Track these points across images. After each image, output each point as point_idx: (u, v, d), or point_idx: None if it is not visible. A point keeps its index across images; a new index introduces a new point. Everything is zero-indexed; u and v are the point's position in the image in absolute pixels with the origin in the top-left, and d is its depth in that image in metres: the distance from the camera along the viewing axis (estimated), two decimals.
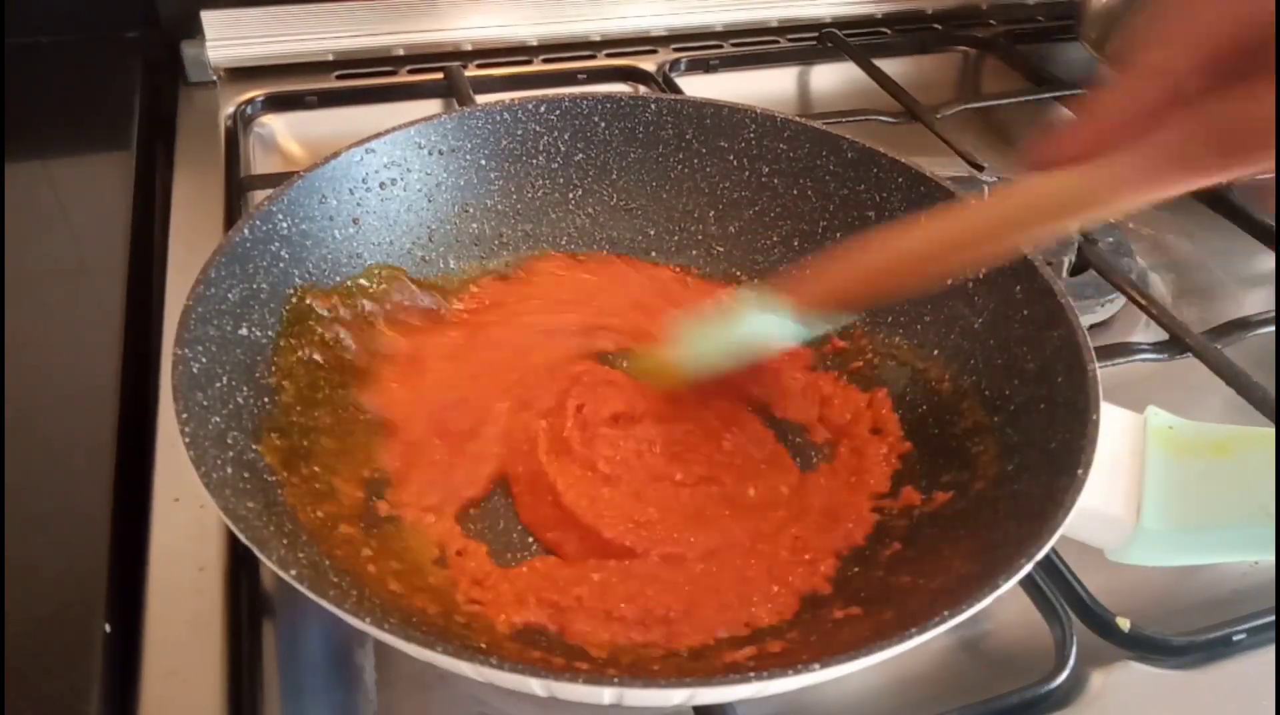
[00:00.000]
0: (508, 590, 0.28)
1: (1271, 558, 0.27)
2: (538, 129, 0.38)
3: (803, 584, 0.29)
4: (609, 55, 0.59)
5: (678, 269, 0.39)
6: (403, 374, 0.35)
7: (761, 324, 0.31)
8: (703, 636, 0.27)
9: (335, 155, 0.35)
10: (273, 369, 0.31)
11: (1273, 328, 0.41)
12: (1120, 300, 0.43)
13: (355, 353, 0.34)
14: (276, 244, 0.32)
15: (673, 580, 0.28)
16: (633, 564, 0.29)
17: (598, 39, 0.59)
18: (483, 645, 0.25)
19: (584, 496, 0.30)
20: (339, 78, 0.54)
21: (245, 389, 0.29)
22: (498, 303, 0.38)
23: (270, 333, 0.31)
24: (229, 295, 0.30)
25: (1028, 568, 0.24)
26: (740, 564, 0.29)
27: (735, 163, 0.39)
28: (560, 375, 0.35)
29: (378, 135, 0.36)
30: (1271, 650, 0.29)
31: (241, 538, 0.23)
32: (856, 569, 0.30)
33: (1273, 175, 0.22)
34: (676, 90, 0.55)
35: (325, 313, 0.33)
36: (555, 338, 0.36)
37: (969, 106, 0.55)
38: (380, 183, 0.36)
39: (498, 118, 0.38)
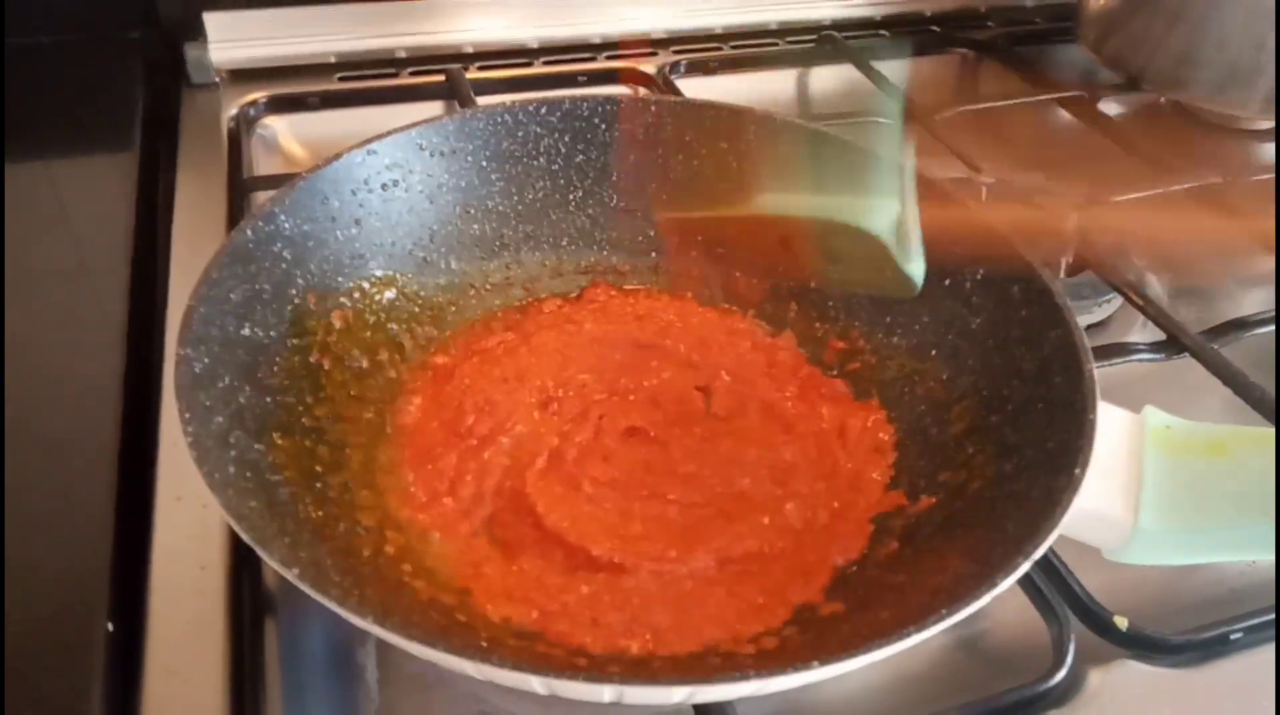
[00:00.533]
0: (498, 583, 0.28)
1: (1270, 557, 0.27)
2: (538, 131, 0.39)
3: (796, 597, 0.29)
4: (609, 57, 0.59)
5: (751, 320, 0.39)
6: (423, 377, 0.35)
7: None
8: (690, 646, 0.27)
9: (337, 157, 0.35)
10: (275, 369, 0.31)
11: (1271, 327, 0.41)
12: (1117, 300, 0.43)
13: (366, 360, 0.34)
14: (279, 245, 0.32)
15: (661, 594, 0.28)
16: (622, 578, 0.29)
17: (598, 41, 0.59)
18: (483, 643, 0.26)
19: (566, 517, 0.30)
20: (341, 79, 0.55)
21: (248, 389, 0.29)
22: (555, 312, 0.38)
23: (273, 333, 0.31)
24: (231, 295, 0.30)
25: (1025, 567, 0.24)
26: (732, 581, 0.29)
27: (735, 165, 0.40)
28: (596, 386, 0.35)
29: (379, 137, 0.36)
30: (1270, 649, 0.29)
31: (244, 537, 0.23)
32: (854, 569, 0.30)
33: None
34: (676, 92, 0.55)
35: (337, 325, 0.33)
36: (607, 349, 0.36)
37: (967, 109, 0.55)
38: (382, 184, 0.36)
39: (499, 119, 0.38)
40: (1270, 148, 0.57)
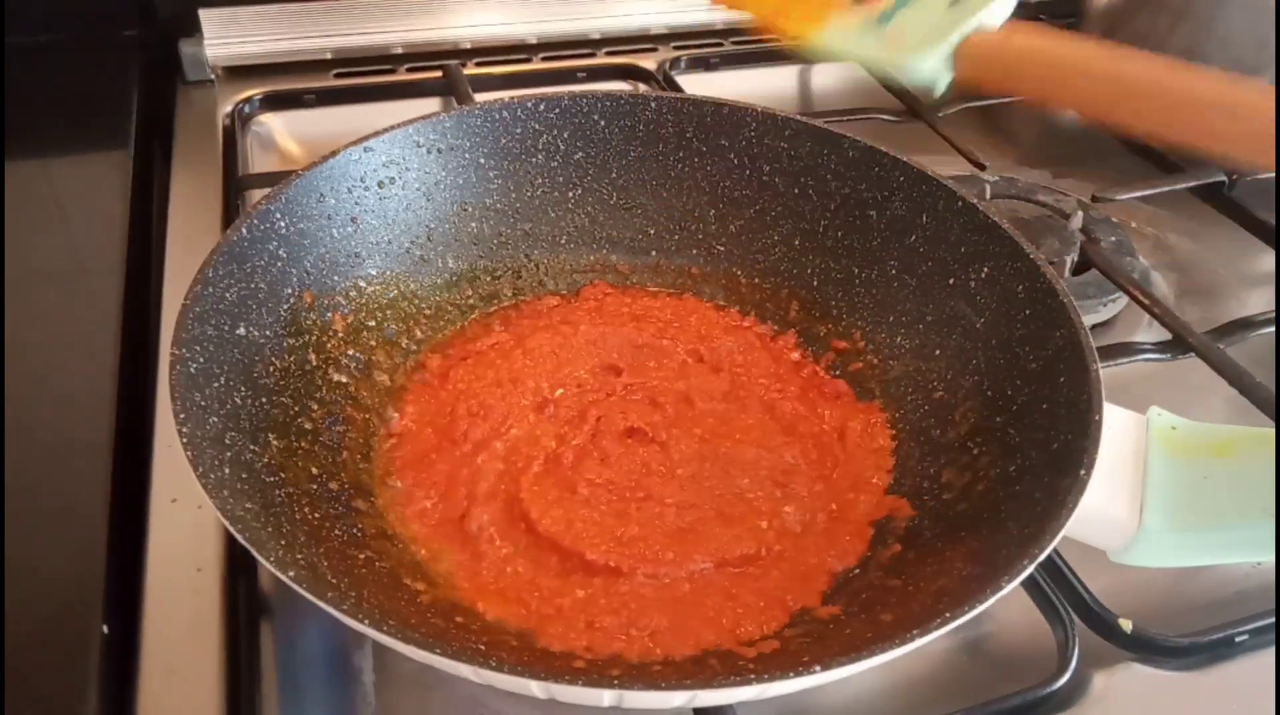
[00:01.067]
0: (492, 586, 0.28)
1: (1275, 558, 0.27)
2: (537, 127, 0.38)
3: (795, 601, 0.28)
4: (609, 53, 0.58)
5: (751, 319, 0.39)
6: (418, 379, 0.35)
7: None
8: (687, 649, 0.27)
9: (333, 154, 0.34)
10: (271, 370, 0.31)
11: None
12: (1123, 300, 0.43)
13: (363, 360, 0.34)
14: (274, 243, 0.32)
15: (658, 598, 0.28)
16: (618, 582, 0.28)
17: (597, 37, 0.59)
18: (482, 646, 0.25)
19: (560, 521, 0.30)
20: (337, 76, 0.54)
21: (243, 389, 0.29)
22: (551, 311, 0.38)
23: (269, 333, 0.31)
24: (227, 295, 0.30)
25: (1030, 569, 0.24)
26: (729, 584, 0.29)
27: (736, 161, 0.39)
28: (593, 387, 0.34)
29: (376, 134, 0.35)
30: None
31: (239, 538, 0.23)
32: (856, 571, 0.30)
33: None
34: (677, 88, 0.54)
35: (336, 327, 0.33)
36: (604, 349, 0.36)
37: (971, 105, 0.55)
38: (379, 181, 0.36)
39: (497, 116, 0.38)
40: None
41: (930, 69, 0.27)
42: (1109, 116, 0.30)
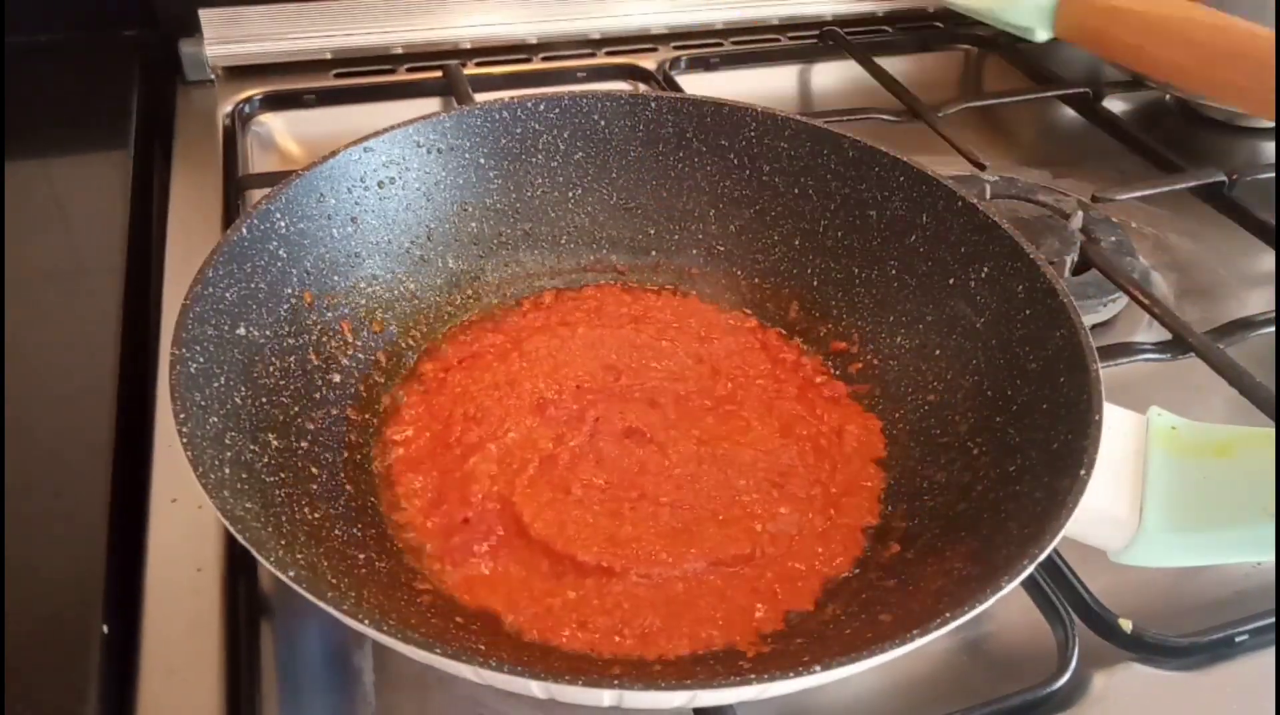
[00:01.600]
0: (485, 587, 0.28)
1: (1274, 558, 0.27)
2: (537, 127, 0.38)
3: (789, 601, 0.28)
4: (609, 53, 0.58)
5: (751, 319, 0.39)
6: (416, 381, 0.35)
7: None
8: (680, 649, 0.27)
9: (333, 154, 0.34)
10: (271, 369, 0.31)
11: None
12: (1123, 300, 0.43)
13: (362, 361, 0.34)
14: (274, 243, 0.32)
15: (650, 598, 0.28)
16: (611, 582, 0.28)
17: (597, 37, 0.59)
18: (482, 646, 0.25)
19: (553, 524, 0.29)
20: (337, 76, 0.54)
21: (243, 389, 0.29)
22: (550, 310, 0.38)
23: (269, 333, 0.31)
24: (227, 295, 0.30)
25: (1030, 569, 0.24)
26: (724, 584, 0.29)
27: (736, 161, 0.39)
28: (592, 388, 0.34)
29: (376, 134, 0.35)
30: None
31: (239, 539, 0.23)
32: (856, 571, 0.30)
33: None
34: (677, 88, 0.54)
35: (337, 328, 0.33)
36: (603, 350, 0.36)
37: (971, 105, 0.55)
38: (379, 181, 0.36)
39: (497, 116, 0.38)
40: (1273, 145, 0.57)
41: (1029, 17, 0.28)
42: (1208, 90, 0.30)
